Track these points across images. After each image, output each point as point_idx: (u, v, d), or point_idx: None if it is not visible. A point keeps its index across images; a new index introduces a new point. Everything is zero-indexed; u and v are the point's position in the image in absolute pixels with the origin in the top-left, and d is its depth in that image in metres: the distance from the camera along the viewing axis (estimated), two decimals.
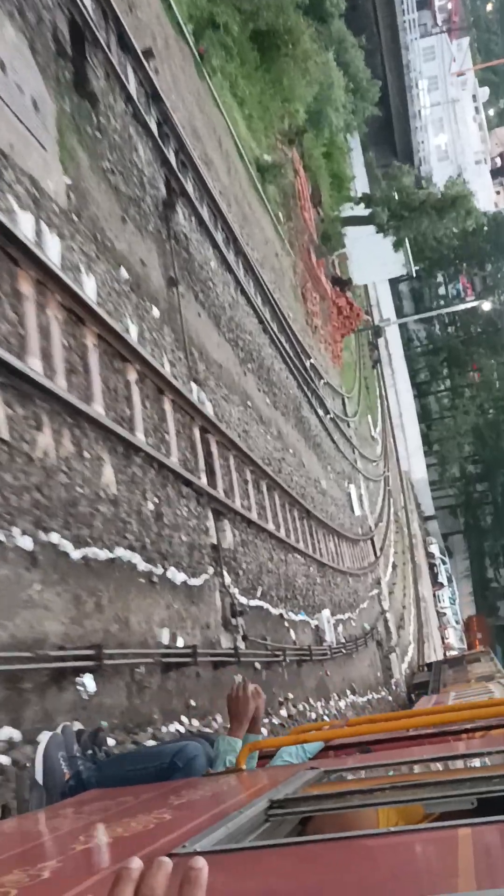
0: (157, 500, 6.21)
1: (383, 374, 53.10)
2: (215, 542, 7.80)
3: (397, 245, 29.33)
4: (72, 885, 1.28)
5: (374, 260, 35.95)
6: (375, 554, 25.11)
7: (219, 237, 10.99)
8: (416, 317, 44.39)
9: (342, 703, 13.59)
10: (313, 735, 3.26)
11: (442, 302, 72.68)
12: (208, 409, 8.37)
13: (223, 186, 13.00)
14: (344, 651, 14.42)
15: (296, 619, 11.38)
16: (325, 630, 12.83)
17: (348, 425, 25.54)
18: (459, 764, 2.65)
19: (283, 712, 9.47)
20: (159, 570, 6.25)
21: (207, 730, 6.66)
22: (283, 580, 10.63)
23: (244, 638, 8.12)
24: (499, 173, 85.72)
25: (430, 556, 56.88)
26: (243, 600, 8.67)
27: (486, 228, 68.91)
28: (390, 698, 20.51)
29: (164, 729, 5.69)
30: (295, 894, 1.24)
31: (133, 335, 6.43)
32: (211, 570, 7.60)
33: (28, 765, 3.45)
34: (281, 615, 10.49)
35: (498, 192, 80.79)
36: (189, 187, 9.78)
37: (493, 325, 66.63)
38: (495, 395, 61.52)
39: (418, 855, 1.46)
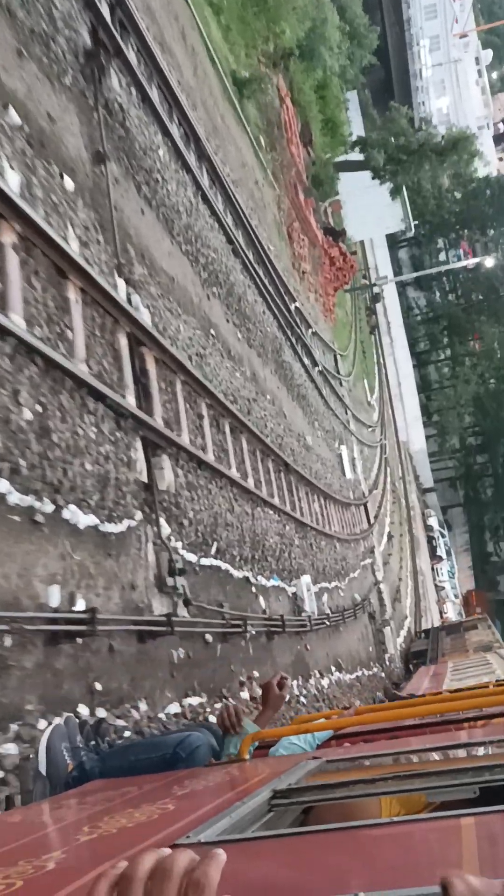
0: (39, 409, 4.48)
1: (381, 342, 51.58)
2: (146, 481, 6.08)
3: (395, 193, 27.36)
4: (77, 877, 1.28)
5: (371, 214, 33.97)
6: (369, 521, 23.47)
7: (175, 130, 9.19)
8: (415, 274, 42.24)
9: (325, 681, 11.99)
10: (315, 725, 3.17)
11: (442, 269, 70.61)
12: (144, 317, 6.63)
13: (187, 86, 11.15)
14: (328, 623, 12.78)
15: (267, 584, 9.71)
16: (304, 598, 11.17)
17: (340, 383, 23.78)
18: (462, 753, 2.61)
19: (245, 694, 7.83)
20: (48, 507, 4.55)
21: (121, 721, 5.00)
22: (250, 537, 8.94)
23: (186, 603, 6.43)
24: (502, 139, 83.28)
25: (428, 528, 55.61)
26: (190, 557, 6.99)
27: (488, 192, 67.00)
28: (383, 674, 18.93)
29: (41, 723, 4.02)
30: (298, 884, 1.25)
31: (12, 185, 4.67)
32: (139, 515, 5.90)
33: (31, 756, 3.24)
34: (246, 579, 8.82)
35: (501, 159, 78.48)
36: (131, 57, 7.97)
37: (496, 292, 64.61)
38: (497, 364, 59.58)
39: (421, 844, 1.45)
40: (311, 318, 19.18)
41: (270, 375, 13.24)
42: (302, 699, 10.03)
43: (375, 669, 18.36)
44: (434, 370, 67.06)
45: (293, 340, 15.36)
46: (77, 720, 3.44)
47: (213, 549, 7.63)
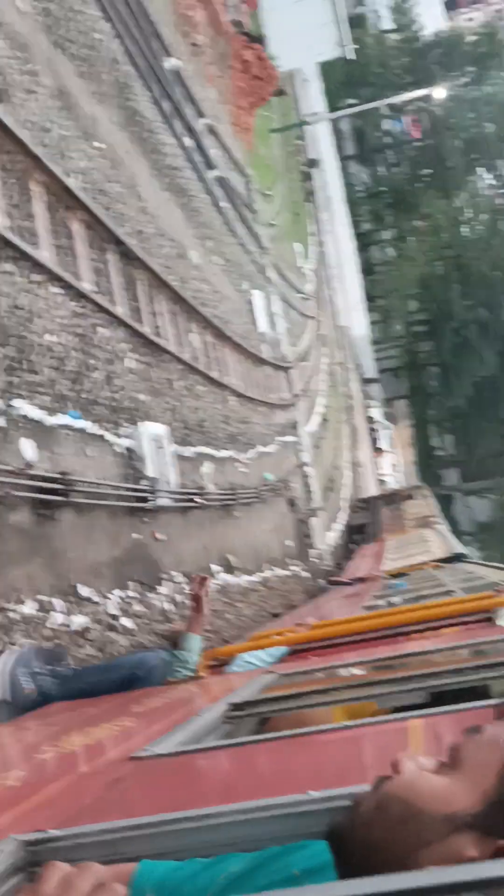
0: None
1: (319, 218, 46.72)
2: None
3: None
4: (36, 790, 1.33)
5: (300, 39, 28.35)
6: (292, 392, 19.17)
7: None
8: (350, 111, 36.46)
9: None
10: (270, 641, 3.18)
11: (388, 139, 64.82)
12: None
13: None
14: (204, 501, 8.47)
15: (48, 420, 5.24)
16: (145, 457, 6.75)
17: (255, 217, 18.95)
18: (412, 663, 2.59)
19: None
20: None
21: None
22: None
23: None
24: (453, 4, 76.84)
25: (370, 420, 52.24)
26: None
27: (438, 50, 61.15)
28: (307, 574, 14.92)
29: None
30: (253, 787, 1.27)
31: None
32: None
33: None
34: None
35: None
36: None
37: (443, 164, 59.49)
38: (444, 242, 54.91)
39: (371, 746, 1.48)
40: (205, 108, 14.18)
41: (109, 124, 8.43)
42: (125, 622, 5.72)
43: (295, 569, 14.33)
44: (378, 250, 62.14)
45: (159, 99, 10.47)
46: (36, 646, 3.51)
47: None
